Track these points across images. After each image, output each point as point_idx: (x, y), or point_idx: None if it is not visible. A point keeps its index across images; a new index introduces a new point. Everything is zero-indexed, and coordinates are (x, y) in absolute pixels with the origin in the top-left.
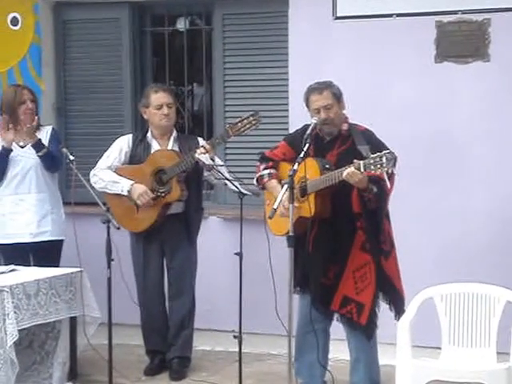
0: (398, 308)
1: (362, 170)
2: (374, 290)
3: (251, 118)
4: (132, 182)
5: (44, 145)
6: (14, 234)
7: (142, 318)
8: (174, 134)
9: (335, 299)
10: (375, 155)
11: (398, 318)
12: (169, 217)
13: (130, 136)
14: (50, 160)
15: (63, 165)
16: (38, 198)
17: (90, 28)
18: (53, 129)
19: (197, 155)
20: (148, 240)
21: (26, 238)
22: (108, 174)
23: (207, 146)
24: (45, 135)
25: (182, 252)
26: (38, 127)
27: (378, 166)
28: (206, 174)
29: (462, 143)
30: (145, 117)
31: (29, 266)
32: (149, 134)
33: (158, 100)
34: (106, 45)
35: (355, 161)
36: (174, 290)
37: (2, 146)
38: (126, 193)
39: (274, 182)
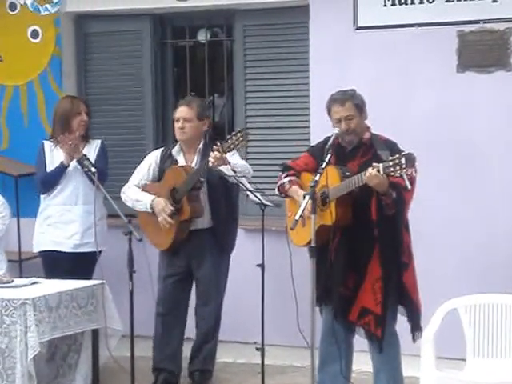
0: (415, 322)
1: (382, 172)
2: (385, 302)
3: (239, 135)
4: (153, 197)
5: (89, 160)
6: (57, 242)
7: (155, 334)
8: (201, 145)
9: (353, 310)
10: (394, 157)
11: (414, 333)
12: (196, 232)
13: (160, 151)
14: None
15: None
16: (85, 209)
17: (112, 40)
18: (102, 143)
19: (210, 164)
20: (175, 255)
21: (69, 248)
22: (134, 191)
23: (218, 155)
24: (94, 149)
25: (209, 267)
26: (88, 140)
27: (398, 167)
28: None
29: (484, 153)
30: None
31: (65, 274)
32: (175, 149)
33: (177, 114)
34: (127, 57)
35: (374, 164)
36: (199, 303)
37: (61, 162)
38: (150, 210)
39: (294, 187)
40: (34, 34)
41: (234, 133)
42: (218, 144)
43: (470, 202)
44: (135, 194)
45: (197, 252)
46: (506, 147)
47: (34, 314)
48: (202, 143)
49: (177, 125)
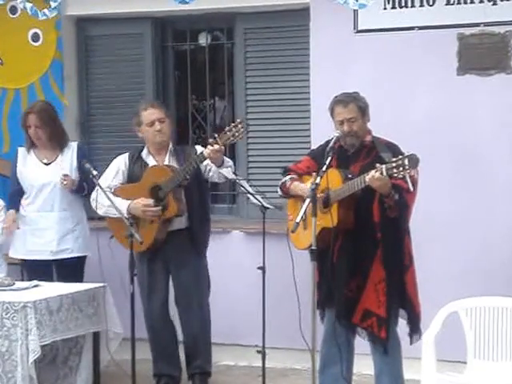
0: (414, 325)
1: (385, 173)
2: (388, 304)
3: (239, 126)
4: (128, 202)
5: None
6: (34, 250)
7: (149, 341)
8: (170, 147)
9: (357, 312)
10: (397, 158)
11: (413, 335)
12: (172, 233)
13: (127, 155)
14: (83, 188)
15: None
16: (60, 216)
17: (113, 43)
18: (78, 146)
19: (206, 155)
20: (152, 260)
21: (46, 256)
22: (105, 198)
23: (216, 147)
24: (70, 153)
25: (188, 269)
26: (62, 149)
27: (401, 168)
28: (209, 174)
29: (484, 156)
30: (139, 135)
31: (52, 281)
32: (144, 152)
33: (149, 117)
34: (129, 60)
35: (377, 165)
36: (181, 307)
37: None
38: (126, 215)
39: (296, 182)
40: (35, 37)
41: (233, 124)
42: (216, 136)
43: (471, 205)
44: (108, 201)
45: (175, 254)
46: (506, 150)
47: (35, 317)
48: (171, 143)
49: (152, 128)
